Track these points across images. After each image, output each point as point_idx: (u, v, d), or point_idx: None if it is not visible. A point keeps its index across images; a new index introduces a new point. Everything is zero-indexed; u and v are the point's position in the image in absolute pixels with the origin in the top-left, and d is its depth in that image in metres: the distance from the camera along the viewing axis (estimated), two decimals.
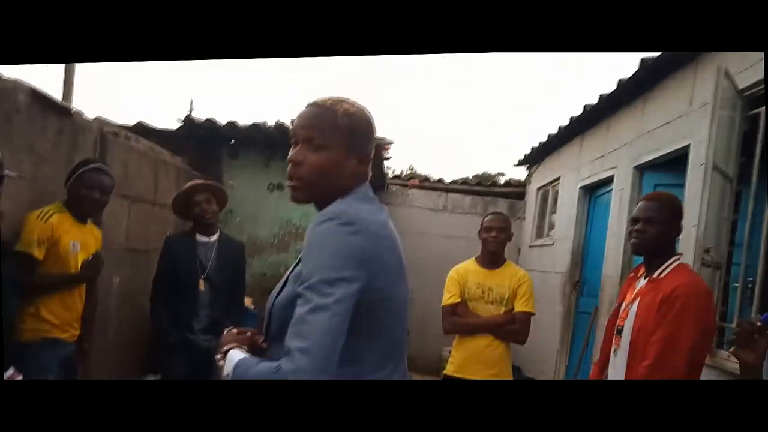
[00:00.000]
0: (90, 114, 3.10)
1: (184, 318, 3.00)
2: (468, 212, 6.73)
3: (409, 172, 15.36)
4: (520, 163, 7.05)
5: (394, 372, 1.16)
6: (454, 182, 7.35)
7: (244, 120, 4.93)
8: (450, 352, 2.95)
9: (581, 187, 4.95)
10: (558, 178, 5.73)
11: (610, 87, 4.04)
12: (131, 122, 4.80)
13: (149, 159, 3.65)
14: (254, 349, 1.18)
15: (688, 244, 2.68)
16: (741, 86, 2.67)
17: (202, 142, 4.99)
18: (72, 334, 2.42)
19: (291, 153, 1.15)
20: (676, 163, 3.38)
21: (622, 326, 2.05)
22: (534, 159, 6.65)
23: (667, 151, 3.40)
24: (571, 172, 5.27)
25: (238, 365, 1.09)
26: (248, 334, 1.22)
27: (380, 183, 6.32)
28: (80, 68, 4.00)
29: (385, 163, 6.16)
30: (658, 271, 2.00)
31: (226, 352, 1.14)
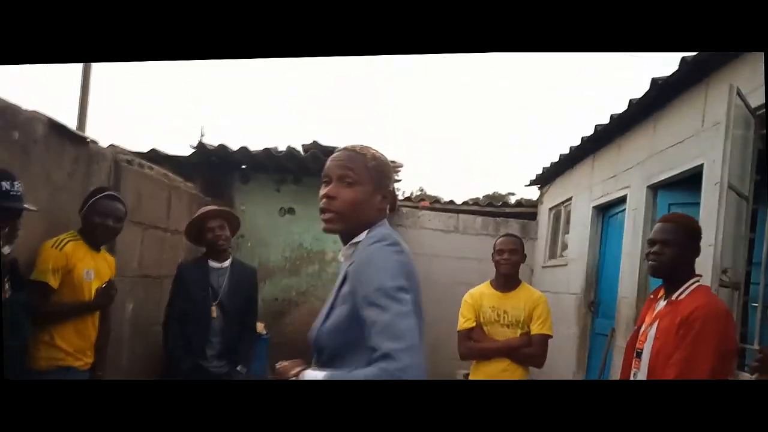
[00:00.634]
0: (104, 142, 3.15)
1: (197, 344, 2.99)
2: (480, 233, 6.69)
3: (419, 193, 15.42)
4: (532, 183, 7.03)
5: None
6: (465, 203, 7.34)
7: (255, 145, 4.99)
8: (464, 375, 2.91)
9: (594, 207, 4.92)
10: (570, 198, 5.70)
11: (621, 107, 4.04)
12: (145, 149, 4.86)
13: (162, 186, 3.68)
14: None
15: (705, 264, 2.64)
16: (754, 105, 2.65)
17: (214, 168, 5.04)
18: (85, 362, 2.42)
19: (325, 189, 1.30)
20: (690, 182, 3.35)
21: (642, 349, 2.02)
22: (545, 179, 6.64)
23: (681, 170, 3.37)
24: (584, 192, 5.24)
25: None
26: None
27: (391, 205, 6.33)
28: (94, 95, 4.08)
29: (396, 185, 6.17)
30: (677, 293, 1.97)
31: (298, 374, 1.22)
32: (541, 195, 6.92)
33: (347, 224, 1.30)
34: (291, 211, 5.11)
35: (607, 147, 4.71)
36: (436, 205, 7.27)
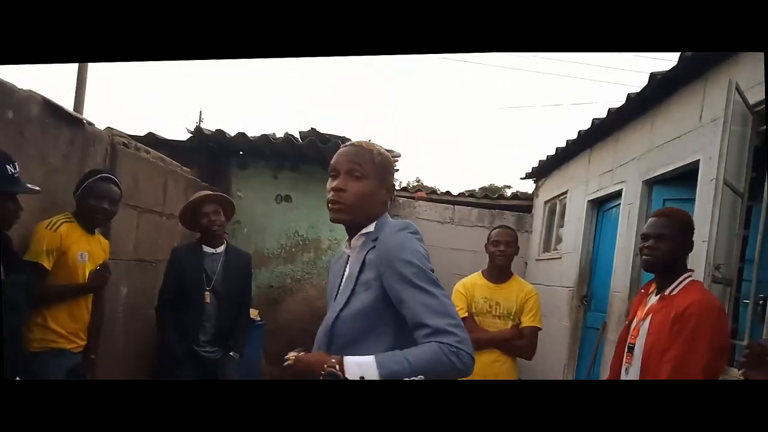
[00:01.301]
0: (101, 124, 3.13)
1: (190, 329, 3.00)
2: (475, 225, 6.71)
3: (416, 184, 15.43)
4: (528, 176, 7.03)
5: None
6: (461, 194, 7.34)
7: (253, 131, 4.96)
8: None
9: (589, 201, 4.93)
10: (566, 192, 5.71)
11: (618, 101, 4.04)
12: (142, 133, 4.84)
13: (159, 169, 3.66)
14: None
15: (698, 260, 2.65)
16: (752, 101, 2.65)
17: (212, 153, 5.02)
18: (79, 344, 2.41)
19: (334, 182, 1.37)
20: (685, 177, 3.35)
21: (634, 344, 2.03)
22: (541, 172, 6.64)
23: (677, 165, 3.38)
24: (579, 186, 5.25)
25: (380, 364, 1.18)
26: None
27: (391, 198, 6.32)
28: (92, 78, 4.04)
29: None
30: (670, 287, 1.98)
31: (337, 364, 1.21)
32: (537, 188, 6.93)
33: (355, 215, 1.37)
34: (288, 198, 5.10)
35: (604, 141, 4.71)
36: (432, 196, 7.28)
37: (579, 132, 4.96)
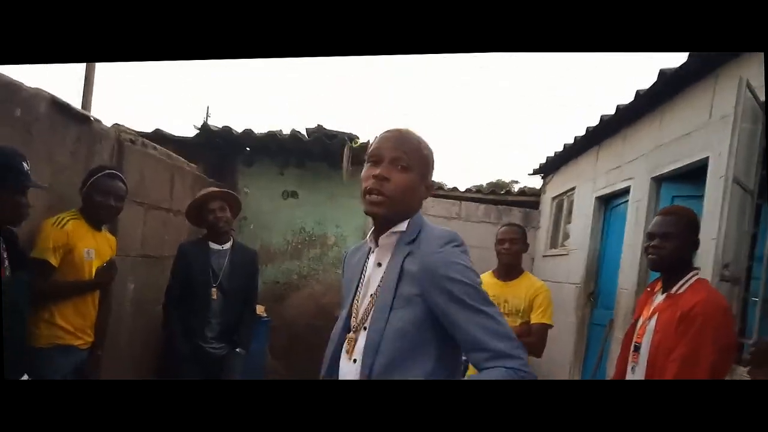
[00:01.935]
0: (108, 121, 3.14)
1: (197, 326, 3.01)
2: (482, 221, 6.70)
3: None
4: (535, 172, 7.00)
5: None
6: (468, 190, 7.32)
7: (259, 128, 4.97)
8: (464, 361, 2.91)
9: (597, 198, 4.90)
10: (573, 188, 5.68)
11: (627, 98, 4.00)
12: (149, 129, 4.85)
13: (165, 166, 3.68)
14: None
15: (706, 258, 2.63)
16: (763, 98, 2.62)
17: (218, 150, 5.03)
18: (85, 341, 2.43)
19: (376, 170, 1.21)
20: (694, 174, 3.33)
21: (640, 343, 2.01)
22: (549, 168, 6.61)
23: (686, 162, 3.35)
24: (587, 182, 5.22)
25: None
26: None
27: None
28: (99, 75, 4.06)
29: None
30: (676, 286, 1.96)
31: None
32: (545, 184, 6.90)
33: (394, 210, 1.23)
34: (294, 194, 5.10)
35: (612, 138, 4.68)
36: (439, 191, 7.26)
37: (587, 128, 4.93)
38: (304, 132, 5.09)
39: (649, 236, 2.01)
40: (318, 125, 5.32)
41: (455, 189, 7.32)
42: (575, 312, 5.04)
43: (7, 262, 1.91)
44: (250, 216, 4.98)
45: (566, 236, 5.91)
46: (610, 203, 4.81)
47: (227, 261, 3.11)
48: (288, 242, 5.08)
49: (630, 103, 4.00)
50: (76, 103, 3.32)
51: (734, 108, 2.54)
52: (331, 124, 5.24)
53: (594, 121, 4.73)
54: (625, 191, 4.28)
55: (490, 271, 2.94)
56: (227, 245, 3.15)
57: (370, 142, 1.32)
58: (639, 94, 3.83)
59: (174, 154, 3.87)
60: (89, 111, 3.70)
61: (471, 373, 2.74)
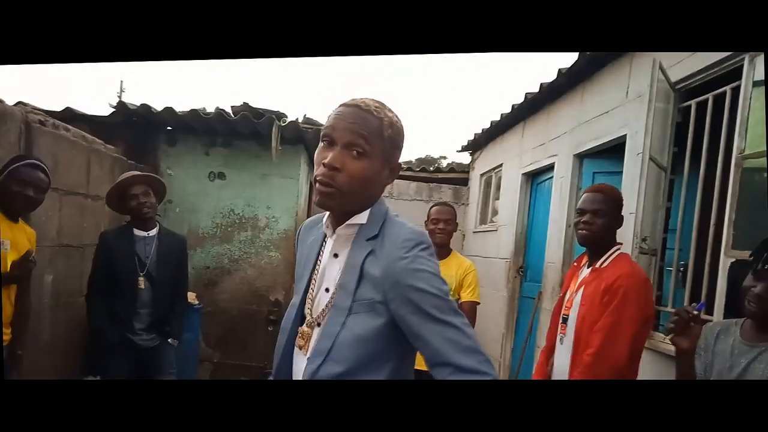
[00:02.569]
0: (10, 100, 2.89)
1: (124, 317, 2.87)
2: (414, 198, 6.77)
3: None
4: (464, 148, 7.13)
5: None
6: None
7: (181, 106, 4.74)
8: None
9: (523, 174, 5.06)
10: (501, 165, 5.83)
11: (550, 76, 4.13)
12: (58, 108, 4.51)
13: (80, 148, 3.44)
14: None
15: (626, 232, 2.79)
16: (674, 79, 2.78)
17: (137, 129, 4.76)
18: (2, 339, 2.26)
19: (327, 156, 1.07)
20: (614, 151, 3.49)
21: (568, 315, 2.11)
22: (477, 145, 6.75)
23: (606, 140, 3.51)
24: (514, 159, 5.37)
25: None
26: None
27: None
28: None
29: None
30: (601, 260, 2.07)
31: None
32: (473, 161, 7.04)
33: (348, 202, 1.10)
34: (221, 175, 4.93)
35: (536, 115, 4.83)
36: None
37: (512, 106, 5.06)
38: (229, 110, 4.91)
39: (580, 212, 2.10)
40: (244, 103, 5.15)
41: None
42: (506, 286, 5.23)
43: None
44: (176, 199, 4.77)
45: (495, 212, 6.09)
46: (536, 179, 4.99)
47: (154, 248, 2.97)
48: (217, 225, 4.92)
49: (552, 81, 4.13)
50: None
51: (649, 89, 2.68)
52: (258, 102, 5.08)
53: (519, 99, 4.86)
54: (550, 168, 4.44)
55: None
56: (153, 232, 3.01)
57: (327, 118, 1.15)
58: (561, 73, 3.95)
59: (89, 135, 3.63)
60: None
61: None
